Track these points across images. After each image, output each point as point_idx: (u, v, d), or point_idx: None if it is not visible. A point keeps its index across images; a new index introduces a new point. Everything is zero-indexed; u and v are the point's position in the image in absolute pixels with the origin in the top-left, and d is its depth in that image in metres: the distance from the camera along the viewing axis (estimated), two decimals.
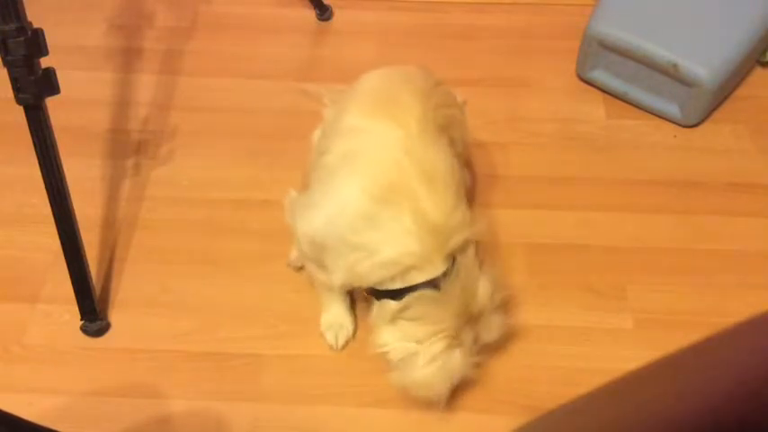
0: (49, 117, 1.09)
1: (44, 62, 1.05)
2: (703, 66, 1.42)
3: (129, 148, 1.49)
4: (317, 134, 1.22)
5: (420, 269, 0.99)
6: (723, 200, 1.40)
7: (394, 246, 0.98)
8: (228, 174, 1.44)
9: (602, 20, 1.51)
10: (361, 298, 1.20)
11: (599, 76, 1.57)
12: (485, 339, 1.07)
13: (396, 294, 1.00)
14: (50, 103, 1.08)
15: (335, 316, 1.20)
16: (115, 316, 1.24)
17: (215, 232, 1.35)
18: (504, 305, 1.11)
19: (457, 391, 1.13)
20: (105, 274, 1.29)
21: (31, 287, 1.27)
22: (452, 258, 1.00)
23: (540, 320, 1.22)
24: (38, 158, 1.10)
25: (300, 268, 1.27)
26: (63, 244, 1.17)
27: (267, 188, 1.40)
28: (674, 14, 1.49)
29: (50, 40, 1.04)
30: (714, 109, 1.53)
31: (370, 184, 0.99)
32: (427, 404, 1.09)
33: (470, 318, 1.02)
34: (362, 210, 0.99)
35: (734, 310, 1.23)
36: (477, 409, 1.13)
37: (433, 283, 0.99)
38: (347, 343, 1.20)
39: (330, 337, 1.19)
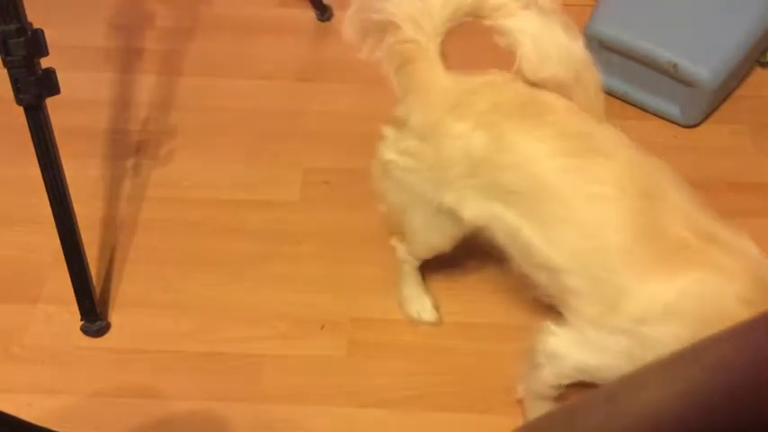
0: (49, 117, 1.09)
1: (44, 62, 1.05)
2: (703, 66, 1.42)
3: (129, 148, 1.49)
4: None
5: None
6: (723, 200, 1.40)
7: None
8: (229, 174, 1.44)
9: (602, 20, 1.51)
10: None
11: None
12: None
13: None
14: (50, 103, 1.08)
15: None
16: (115, 316, 1.24)
17: (215, 232, 1.35)
18: None
19: (457, 391, 1.13)
20: (105, 274, 1.29)
21: (31, 287, 1.27)
22: None
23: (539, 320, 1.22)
24: (38, 158, 1.10)
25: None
26: (63, 244, 1.17)
27: (267, 188, 1.40)
28: (674, 14, 1.49)
29: (50, 40, 1.04)
30: (714, 109, 1.53)
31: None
32: None
33: None
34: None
35: None
36: (477, 410, 1.13)
37: None
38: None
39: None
